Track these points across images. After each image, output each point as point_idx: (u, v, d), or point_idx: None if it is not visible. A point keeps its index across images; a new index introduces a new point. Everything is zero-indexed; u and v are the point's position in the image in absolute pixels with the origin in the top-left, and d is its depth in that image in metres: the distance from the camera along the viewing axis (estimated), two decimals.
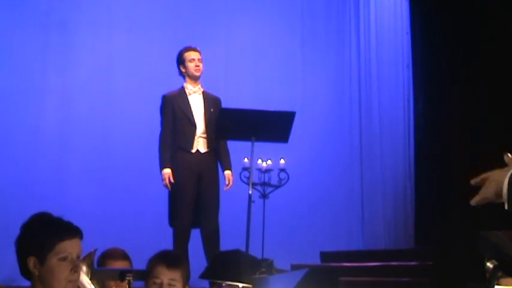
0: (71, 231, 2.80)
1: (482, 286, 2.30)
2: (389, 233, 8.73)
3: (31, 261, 2.75)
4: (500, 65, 7.52)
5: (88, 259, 2.88)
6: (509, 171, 2.20)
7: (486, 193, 2.23)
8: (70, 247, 2.76)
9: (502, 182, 2.18)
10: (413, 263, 7.30)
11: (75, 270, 2.75)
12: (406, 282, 6.96)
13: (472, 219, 6.74)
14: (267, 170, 7.64)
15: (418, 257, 7.43)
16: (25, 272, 2.80)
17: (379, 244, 8.66)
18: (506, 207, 2.20)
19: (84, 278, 2.87)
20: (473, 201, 2.26)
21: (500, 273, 2.06)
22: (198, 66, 6.67)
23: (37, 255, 2.74)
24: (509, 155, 2.25)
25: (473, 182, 2.29)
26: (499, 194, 2.19)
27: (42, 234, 2.76)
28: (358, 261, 7.88)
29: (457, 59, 8.00)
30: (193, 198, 6.52)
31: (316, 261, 8.14)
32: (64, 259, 2.75)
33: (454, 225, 7.15)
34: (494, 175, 2.23)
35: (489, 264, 2.07)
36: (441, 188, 7.91)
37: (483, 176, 2.26)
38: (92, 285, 2.90)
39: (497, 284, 2.10)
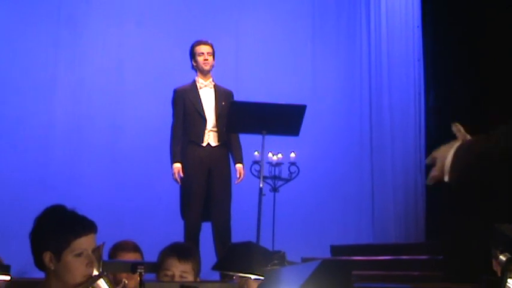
0: (86, 227, 2.80)
1: (494, 279, 2.30)
2: (400, 227, 8.72)
3: (47, 256, 2.76)
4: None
5: (96, 253, 2.88)
6: (453, 146, 2.26)
7: (435, 171, 2.29)
8: (85, 243, 2.78)
9: (446, 159, 2.24)
10: (424, 257, 7.29)
11: (91, 265, 2.77)
12: (417, 276, 6.95)
13: (484, 213, 6.73)
14: (278, 164, 7.64)
15: (429, 251, 7.42)
16: (40, 265, 2.81)
17: (390, 238, 8.65)
18: (446, 178, 2.25)
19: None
20: (428, 181, 2.34)
21: None
22: (207, 60, 6.65)
23: (53, 251, 2.75)
24: (457, 125, 2.30)
25: (427, 161, 2.37)
26: (443, 171, 2.25)
27: (58, 231, 2.76)
28: (369, 255, 7.88)
29: (468, 53, 7.97)
30: (203, 192, 6.52)
31: (326, 254, 8.13)
32: (80, 255, 2.76)
33: (465, 219, 7.13)
34: (440, 152, 2.29)
35: (502, 257, 2.07)
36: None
37: (433, 154, 2.33)
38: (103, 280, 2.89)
39: (511, 277, 2.09)
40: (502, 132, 2.18)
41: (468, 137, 2.36)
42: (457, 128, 2.37)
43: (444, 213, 7.94)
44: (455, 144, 2.31)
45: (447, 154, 2.29)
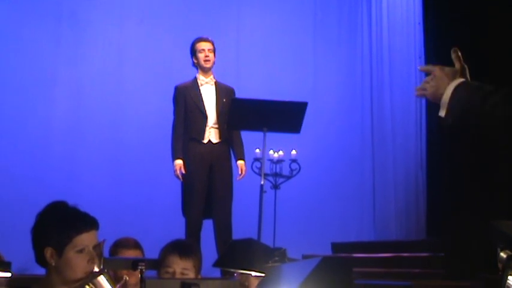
0: (88, 223, 2.80)
1: (495, 277, 2.29)
2: (401, 224, 8.72)
3: (48, 252, 2.76)
4: None
5: (97, 249, 2.88)
6: (453, 80, 2.23)
7: (425, 89, 2.29)
8: (87, 240, 2.78)
9: (442, 89, 2.23)
10: (425, 254, 7.29)
11: (92, 261, 2.77)
12: (417, 273, 6.94)
13: (484, 210, 6.73)
14: (279, 161, 7.64)
15: (430, 248, 7.41)
16: (41, 261, 2.81)
17: (391, 235, 8.65)
18: (441, 114, 2.24)
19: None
20: (416, 94, 2.36)
21: None
22: (208, 56, 6.65)
23: (54, 246, 2.75)
24: (456, 50, 2.27)
25: (423, 67, 2.36)
26: (435, 98, 2.24)
27: (60, 226, 2.76)
28: (370, 252, 7.87)
29: (469, 50, 7.94)
30: (205, 189, 6.53)
31: (327, 251, 8.14)
32: (81, 251, 2.76)
33: (466, 216, 7.12)
34: (438, 77, 2.26)
35: (503, 254, 2.06)
36: (453, 179, 7.88)
37: (431, 68, 2.30)
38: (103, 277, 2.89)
39: (511, 274, 2.09)
40: (501, 100, 2.16)
41: (466, 69, 2.33)
42: (456, 55, 2.34)
43: (445, 211, 7.94)
44: (457, 80, 2.27)
45: (445, 84, 2.26)
